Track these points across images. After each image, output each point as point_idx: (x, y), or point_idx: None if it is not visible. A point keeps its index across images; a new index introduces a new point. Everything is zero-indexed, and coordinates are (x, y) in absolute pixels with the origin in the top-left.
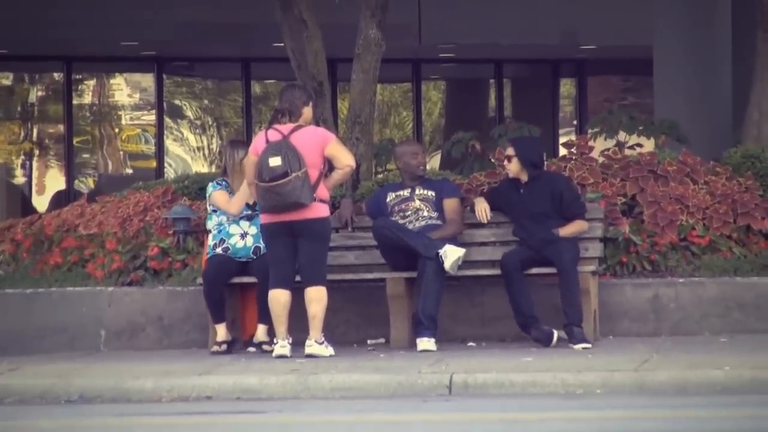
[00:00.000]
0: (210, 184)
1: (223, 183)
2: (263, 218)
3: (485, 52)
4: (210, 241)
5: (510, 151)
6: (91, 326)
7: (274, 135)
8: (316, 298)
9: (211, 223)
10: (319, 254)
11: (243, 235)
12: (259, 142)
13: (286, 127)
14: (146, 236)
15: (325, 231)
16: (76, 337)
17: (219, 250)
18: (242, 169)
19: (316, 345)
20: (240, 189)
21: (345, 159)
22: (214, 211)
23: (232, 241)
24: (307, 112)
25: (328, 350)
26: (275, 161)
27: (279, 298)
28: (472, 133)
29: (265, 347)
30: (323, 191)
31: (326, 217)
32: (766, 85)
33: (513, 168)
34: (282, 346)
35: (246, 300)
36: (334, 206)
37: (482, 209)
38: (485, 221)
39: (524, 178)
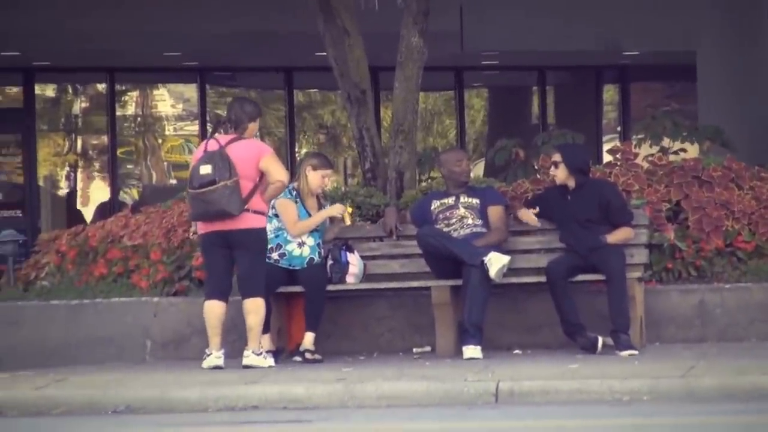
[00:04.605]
0: None
1: (294, 193)
2: (200, 228)
3: (528, 59)
4: None
5: (557, 157)
6: (137, 337)
7: (212, 145)
8: (253, 309)
9: (270, 227)
10: (254, 266)
11: (300, 244)
12: (198, 150)
13: (225, 138)
14: (191, 246)
15: (259, 242)
16: (122, 347)
17: (275, 256)
18: (309, 186)
19: (253, 356)
20: (311, 219)
21: (277, 174)
22: (276, 215)
23: (289, 247)
24: (253, 126)
25: (266, 361)
26: (206, 169)
27: (214, 310)
28: (515, 140)
29: (308, 356)
30: (258, 203)
31: (261, 228)
32: None
33: (560, 174)
34: (216, 356)
35: (292, 309)
36: (378, 215)
37: (527, 214)
38: (537, 224)
39: (571, 184)
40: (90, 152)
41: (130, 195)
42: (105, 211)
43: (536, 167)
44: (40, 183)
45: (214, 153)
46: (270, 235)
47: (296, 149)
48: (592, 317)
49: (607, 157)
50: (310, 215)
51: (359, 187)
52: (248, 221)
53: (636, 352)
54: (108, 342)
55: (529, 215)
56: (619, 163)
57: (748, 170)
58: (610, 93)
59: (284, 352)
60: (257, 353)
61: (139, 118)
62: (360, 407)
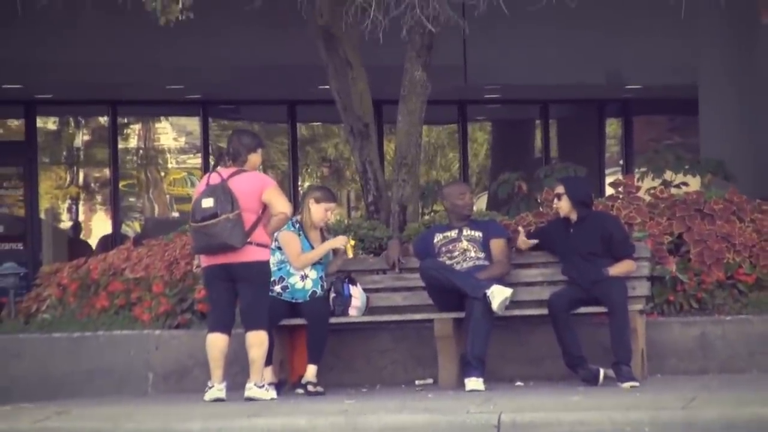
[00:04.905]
0: None
1: (297, 225)
2: (203, 261)
3: (531, 92)
4: None
5: (560, 189)
6: (139, 369)
7: (214, 178)
8: (256, 343)
9: (273, 259)
10: (257, 299)
11: (303, 277)
12: (200, 184)
13: (227, 171)
14: (193, 279)
15: (262, 275)
16: (124, 380)
17: (278, 288)
18: (312, 219)
19: (255, 388)
20: (314, 251)
21: (280, 206)
22: (279, 248)
23: (292, 280)
24: (254, 158)
25: (269, 393)
26: (207, 203)
27: (217, 343)
28: (518, 174)
29: (311, 388)
30: (262, 235)
31: (264, 261)
32: None
33: (563, 206)
34: (219, 389)
35: (295, 341)
36: (381, 248)
37: (523, 240)
38: (526, 238)
39: (574, 217)
40: (92, 185)
41: (132, 228)
42: (107, 243)
43: (539, 200)
44: (42, 216)
45: (216, 186)
46: (273, 268)
47: (299, 182)
48: (594, 349)
49: (609, 190)
50: (313, 248)
51: (362, 220)
52: (251, 254)
53: (637, 383)
54: (110, 374)
55: (525, 240)
56: (621, 196)
57: (749, 203)
58: (612, 126)
59: (287, 384)
60: (259, 386)
61: (141, 151)
62: None
